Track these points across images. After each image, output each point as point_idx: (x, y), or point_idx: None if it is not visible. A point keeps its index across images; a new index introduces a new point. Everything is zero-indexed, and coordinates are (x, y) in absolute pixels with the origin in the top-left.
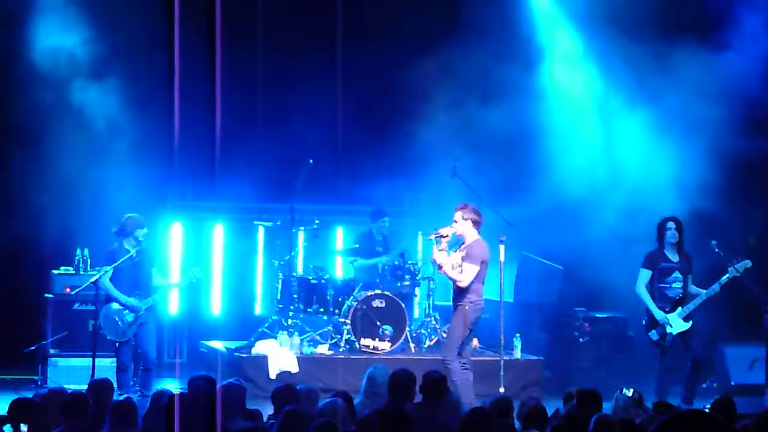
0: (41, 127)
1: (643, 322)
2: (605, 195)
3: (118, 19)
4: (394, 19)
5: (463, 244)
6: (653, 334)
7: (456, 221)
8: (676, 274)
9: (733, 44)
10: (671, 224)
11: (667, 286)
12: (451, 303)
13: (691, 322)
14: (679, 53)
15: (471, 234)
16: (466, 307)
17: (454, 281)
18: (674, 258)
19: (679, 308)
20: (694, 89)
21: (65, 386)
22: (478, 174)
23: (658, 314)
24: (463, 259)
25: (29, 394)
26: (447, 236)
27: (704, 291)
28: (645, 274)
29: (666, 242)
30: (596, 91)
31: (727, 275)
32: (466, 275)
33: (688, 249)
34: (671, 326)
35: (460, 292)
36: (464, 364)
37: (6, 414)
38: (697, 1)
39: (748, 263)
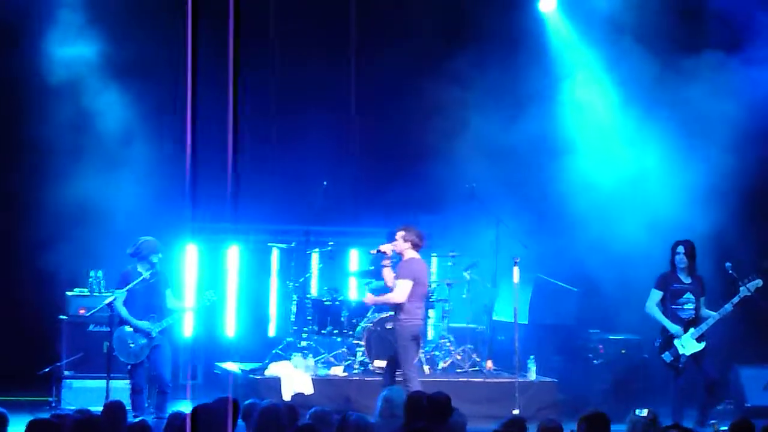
0: (56, 147)
1: (656, 344)
2: (622, 217)
3: (132, 40)
4: (411, 39)
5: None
6: (667, 356)
7: (396, 240)
8: (688, 296)
9: (754, 56)
10: (681, 248)
11: (680, 307)
12: (464, 324)
13: (704, 344)
14: (696, 64)
15: (408, 254)
16: (399, 326)
17: (388, 301)
18: (686, 280)
19: (692, 329)
20: (713, 104)
21: (84, 407)
22: (495, 196)
23: (673, 328)
24: (395, 277)
25: (45, 416)
26: (387, 253)
27: (716, 312)
28: (656, 295)
29: (676, 266)
30: (613, 108)
31: (738, 295)
32: (397, 291)
33: (701, 271)
34: (683, 347)
35: (396, 311)
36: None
37: None
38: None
39: (759, 282)
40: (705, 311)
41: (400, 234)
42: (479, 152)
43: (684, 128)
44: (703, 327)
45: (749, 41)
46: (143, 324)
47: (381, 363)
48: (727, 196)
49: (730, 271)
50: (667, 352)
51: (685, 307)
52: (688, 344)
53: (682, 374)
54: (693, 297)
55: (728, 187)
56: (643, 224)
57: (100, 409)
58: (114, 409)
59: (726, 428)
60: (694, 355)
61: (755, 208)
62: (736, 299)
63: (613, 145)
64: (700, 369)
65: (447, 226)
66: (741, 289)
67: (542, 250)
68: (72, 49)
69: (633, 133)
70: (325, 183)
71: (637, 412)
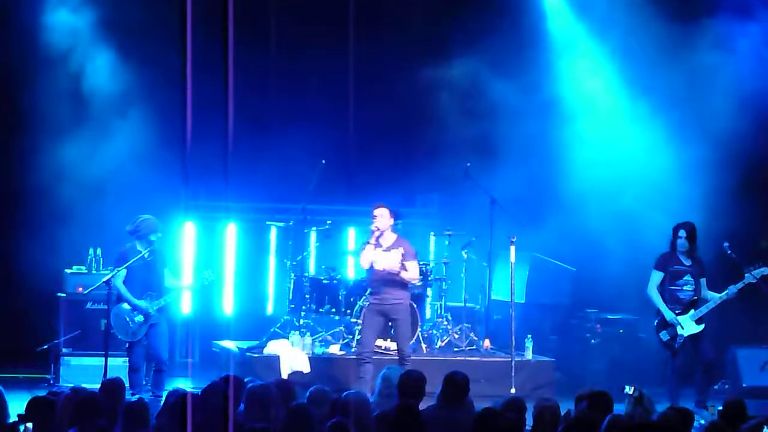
0: (52, 126)
1: (655, 323)
2: (617, 196)
3: (131, 19)
4: (408, 18)
5: (386, 241)
6: (664, 335)
7: (382, 217)
8: (688, 277)
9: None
10: (682, 232)
11: (678, 288)
12: (461, 303)
13: (703, 325)
14: (695, 48)
15: (390, 230)
16: (405, 303)
17: (409, 280)
18: (686, 261)
19: (692, 311)
20: (710, 89)
21: (79, 385)
22: (490, 175)
23: (668, 315)
24: (404, 257)
25: (42, 393)
26: (383, 231)
27: (719, 295)
28: (656, 276)
29: (678, 250)
30: (613, 82)
31: (743, 281)
32: (416, 271)
33: (700, 253)
34: (682, 328)
35: (401, 289)
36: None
37: (24, 412)
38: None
39: (765, 270)
40: (706, 293)
41: (384, 211)
42: (474, 132)
43: (684, 103)
44: (703, 309)
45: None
46: (141, 302)
47: (379, 342)
48: (727, 173)
49: (729, 251)
50: (664, 331)
51: (684, 288)
52: (687, 325)
53: (678, 354)
54: (692, 279)
55: (727, 164)
56: (642, 202)
57: (97, 386)
58: (112, 386)
59: (720, 408)
60: (692, 337)
61: (752, 189)
62: (740, 285)
63: (612, 121)
64: (697, 350)
65: (443, 205)
66: (746, 275)
67: (539, 229)
68: (66, 18)
69: (633, 109)
70: (323, 161)
71: (626, 389)
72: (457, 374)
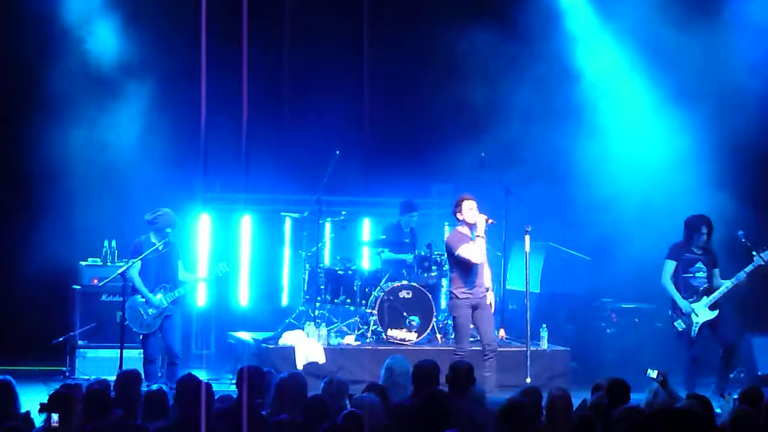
0: (71, 118)
1: (669, 313)
2: (633, 186)
3: (148, 12)
4: (423, 10)
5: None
6: (679, 324)
7: (475, 208)
8: (700, 264)
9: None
10: (704, 228)
11: (691, 275)
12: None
13: (717, 311)
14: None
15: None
16: None
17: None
18: (698, 251)
19: (705, 297)
20: (722, 81)
21: (100, 377)
22: (506, 165)
23: (683, 304)
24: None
25: (57, 385)
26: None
27: (729, 280)
28: (670, 266)
29: (694, 243)
30: (628, 73)
31: (753, 264)
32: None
33: (712, 244)
34: (697, 315)
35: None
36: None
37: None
38: None
39: None
40: (719, 281)
41: (474, 203)
42: (489, 122)
43: (694, 93)
44: (716, 295)
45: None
46: (155, 295)
47: (394, 332)
48: (738, 167)
49: (743, 239)
50: (679, 320)
51: (697, 275)
52: (701, 312)
53: (695, 343)
54: (704, 266)
55: (738, 159)
56: (656, 192)
57: (113, 378)
58: (128, 377)
59: (736, 396)
60: (709, 323)
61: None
62: (749, 268)
63: (627, 112)
64: (717, 335)
65: (458, 195)
66: (755, 258)
67: (553, 218)
68: (90, 23)
69: (647, 98)
70: (337, 152)
71: (649, 372)
72: (462, 363)
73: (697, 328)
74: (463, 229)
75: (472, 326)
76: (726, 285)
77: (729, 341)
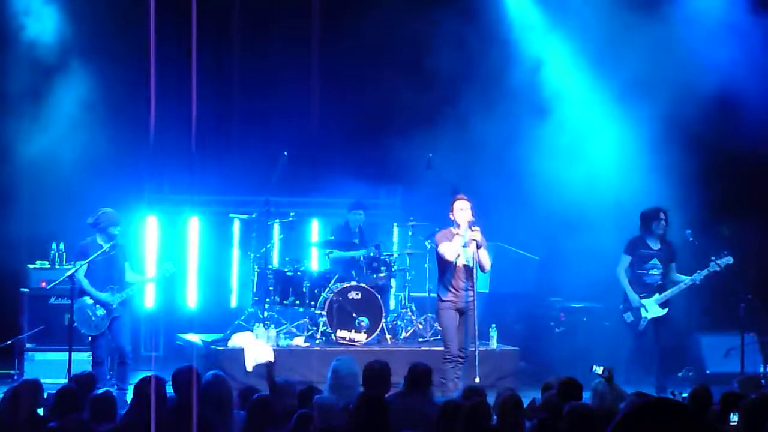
0: (14, 117)
1: (620, 306)
2: (581, 183)
3: (95, 12)
4: (370, 10)
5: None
6: (628, 316)
7: (468, 210)
8: (655, 261)
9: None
10: (662, 215)
11: (645, 272)
12: (425, 294)
13: (667, 309)
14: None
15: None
16: None
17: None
18: (655, 246)
19: (657, 294)
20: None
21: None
22: (452, 165)
23: (633, 297)
24: (479, 247)
25: (4, 389)
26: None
27: (686, 278)
28: (625, 260)
29: (653, 232)
30: (573, 66)
31: (708, 269)
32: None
33: (670, 237)
34: (646, 311)
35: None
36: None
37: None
38: None
39: (730, 260)
40: (675, 275)
41: (467, 203)
42: (437, 123)
43: (637, 86)
44: (668, 294)
45: None
46: (103, 296)
47: (344, 333)
48: (687, 159)
49: (691, 239)
50: (628, 313)
51: (651, 272)
52: (651, 308)
53: (639, 337)
54: (659, 263)
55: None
56: (605, 190)
57: (64, 381)
58: (84, 380)
59: (686, 395)
60: (654, 320)
61: (713, 175)
62: (705, 272)
63: (572, 108)
64: (657, 334)
65: (406, 195)
66: (711, 264)
67: (502, 218)
68: (35, 19)
69: (590, 94)
70: (285, 154)
71: (594, 368)
72: (420, 364)
73: (645, 323)
74: (455, 229)
75: None
76: (679, 286)
77: (664, 345)
